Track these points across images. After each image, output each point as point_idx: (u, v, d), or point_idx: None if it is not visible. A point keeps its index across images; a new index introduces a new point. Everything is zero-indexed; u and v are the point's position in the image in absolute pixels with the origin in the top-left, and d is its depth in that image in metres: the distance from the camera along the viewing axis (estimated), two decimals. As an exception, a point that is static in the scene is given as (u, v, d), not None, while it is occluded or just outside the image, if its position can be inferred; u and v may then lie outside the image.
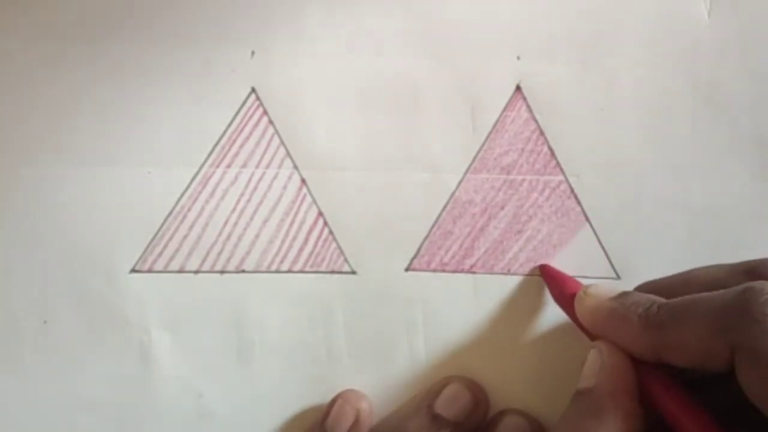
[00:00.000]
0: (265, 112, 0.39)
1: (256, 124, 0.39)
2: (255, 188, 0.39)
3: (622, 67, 0.39)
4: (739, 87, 0.39)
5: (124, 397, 0.38)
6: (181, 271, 0.38)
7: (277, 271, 0.38)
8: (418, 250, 0.39)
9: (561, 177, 0.39)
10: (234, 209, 0.39)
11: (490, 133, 0.39)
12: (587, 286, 0.34)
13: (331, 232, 0.39)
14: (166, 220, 0.38)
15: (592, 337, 0.33)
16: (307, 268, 0.38)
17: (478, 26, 0.39)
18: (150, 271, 0.38)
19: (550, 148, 0.39)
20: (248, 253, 0.38)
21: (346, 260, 0.38)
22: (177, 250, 0.38)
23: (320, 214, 0.39)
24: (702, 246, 0.38)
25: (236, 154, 0.39)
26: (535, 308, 0.38)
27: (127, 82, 0.39)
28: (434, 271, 0.39)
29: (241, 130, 0.39)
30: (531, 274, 0.38)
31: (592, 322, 0.33)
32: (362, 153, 0.39)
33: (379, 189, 0.39)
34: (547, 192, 0.39)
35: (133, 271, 0.38)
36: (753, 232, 0.38)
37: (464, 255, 0.39)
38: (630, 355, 0.31)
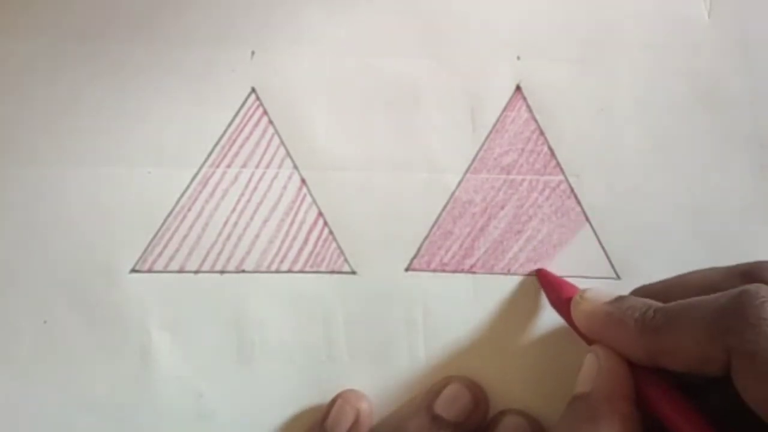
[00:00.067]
0: (265, 112, 0.39)
1: (256, 124, 0.39)
2: (255, 188, 0.39)
3: (622, 67, 0.39)
4: (739, 87, 0.39)
5: (124, 397, 0.38)
6: (181, 271, 0.38)
7: (277, 271, 0.38)
8: (418, 250, 0.39)
9: (561, 177, 0.39)
10: (234, 209, 0.39)
11: (490, 133, 0.39)
12: (583, 291, 0.34)
13: (331, 232, 0.39)
14: (166, 220, 0.39)
15: (589, 341, 0.33)
16: (307, 268, 0.38)
17: (478, 26, 0.39)
18: (150, 271, 0.38)
19: (550, 148, 0.39)
20: (248, 253, 0.38)
21: (346, 260, 0.38)
22: (177, 250, 0.38)
23: (320, 214, 0.39)
24: (702, 246, 0.38)
25: (236, 154, 0.39)
26: (535, 308, 0.38)
27: (127, 82, 0.39)
28: (434, 271, 0.38)
29: (241, 130, 0.39)
30: (531, 274, 0.38)
31: (589, 326, 0.33)
32: (362, 153, 0.39)
33: (379, 189, 0.39)
34: (547, 192, 0.39)
35: (133, 271, 0.38)
36: (753, 232, 0.38)
37: (464, 255, 0.39)
38: (626, 360, 0.31)
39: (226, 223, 0.39)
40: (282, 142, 0.39)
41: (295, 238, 0.39)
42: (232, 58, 0.39)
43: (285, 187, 0.39)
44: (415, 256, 0.39)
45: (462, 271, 0.38)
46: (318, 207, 0.39)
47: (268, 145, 0.39)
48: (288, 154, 0.39)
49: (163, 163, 0.39)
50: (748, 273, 0.31)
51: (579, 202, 0.39)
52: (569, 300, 0.34)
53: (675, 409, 0.30)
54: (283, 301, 0.38)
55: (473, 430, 0.37)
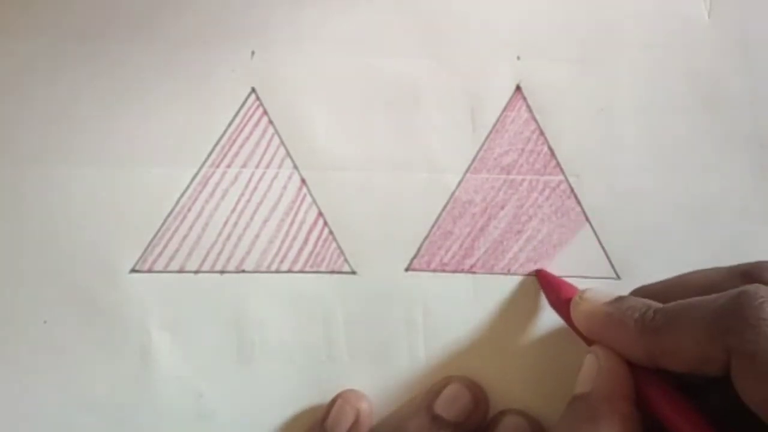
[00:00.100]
0: (265, 112, 0.39)
1: (256, 124, 0.39)
2: (255, 188, 0.39)
3: (622, 67, 0.39)
4: (739, 87, 0.39)
5: (124, 397, 0.38)
6: (181, 271, 0.38)
7: (277, 271, 0.38)
8: (418, 250, 0.39)
9: (561, 177, 0.39)
10: (234, 209, 0.39)
11: (490, 133, 0.39)
12: (583, 291, 0.34)
13: (331, 232, 0.39)
14: (166, 220, 0.38)
15: (589, 342, 0.33)
16: (307, 268, 0.38)
17: (478, 26, 0.39)
18: (150, 271, 0.38)
19: (550, 148, 0.39)
20: (248, 253, 0.38)
21: (346, 260, 0.38)
22: (177, 250, 0.38)
23: (320, 214, 0.39)
24: (702, 246, 0.38)
25: (236, 154, 0.39)
26: (535, 308, 0.38)
27: (127, 82, 0.39)
28: (434, 271, 0.38)
29: (241, 130, 0.39)
30: (531, 274, 0.38)
31: (588, 327, 0.33)
32: (362, 153, 0.39)
33: (379, 189, 0.39)
34: (547, 192, 0.39)
35: (133, 271, 0.38)
36: (753, 232, 0.38)
37: (464, 255, 0.39)
38: (626, 360, 0.31)
39: (226, 223, 0.39)
40: (282, 142, 0.39)
41: (295, 238, 0.39)
42: (232, 58, 0.39)
43: (285, 187, 0.39)
44: (415, 256, 0.39)
45: (462, 271, 0.38)
46: (318, 207, 0.39)
47: (268, 145, 0.39)
48: (288, 154, 0.39)
49: (163, 163, 0.39)
50: (748, 273, 0.31)
51: (579, 202, 0.39)
52: (569, 301, 0.34)
53: (675, 409, 0.30)
54: (283, 301, 0.38)
55: (473, 430, 0.37)
